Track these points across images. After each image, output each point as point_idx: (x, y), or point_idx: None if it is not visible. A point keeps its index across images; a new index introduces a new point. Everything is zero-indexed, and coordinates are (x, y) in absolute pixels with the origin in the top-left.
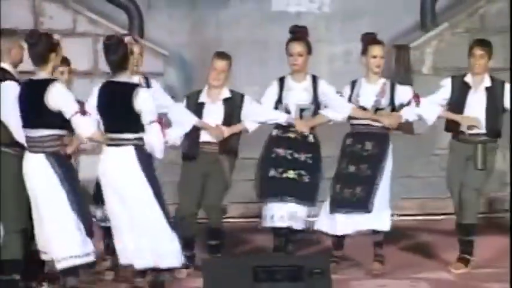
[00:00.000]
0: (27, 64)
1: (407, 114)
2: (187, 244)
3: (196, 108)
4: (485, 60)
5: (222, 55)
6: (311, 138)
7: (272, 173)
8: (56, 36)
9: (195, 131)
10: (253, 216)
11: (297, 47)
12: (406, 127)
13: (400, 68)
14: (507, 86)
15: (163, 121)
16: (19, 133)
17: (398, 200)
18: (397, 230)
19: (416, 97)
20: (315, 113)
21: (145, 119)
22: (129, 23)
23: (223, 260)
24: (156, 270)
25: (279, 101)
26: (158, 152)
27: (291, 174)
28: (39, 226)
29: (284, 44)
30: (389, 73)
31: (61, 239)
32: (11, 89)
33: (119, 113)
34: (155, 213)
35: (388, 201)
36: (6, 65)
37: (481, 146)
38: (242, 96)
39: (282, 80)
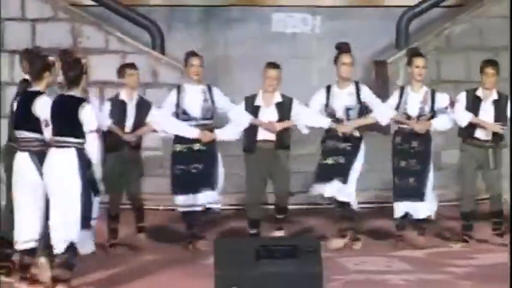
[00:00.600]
0: None
1: (442, 121)
2: (254, 224)
3: (253, 110)
4: (495, 77)
5: (273, 65)
6: (356, 133)
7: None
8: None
9: (253, 129)
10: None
11: (348, 58)
12: (383, 128)
13: (379, 80)
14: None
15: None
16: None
17: None
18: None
19: (452, 104)
20: (360, 113)
21: (85, 128)
22: (152, 42)
23: (231, 241)
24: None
25: (326, 105)
26: (93, 156)
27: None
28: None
29: (281, 61)
30: (370, 84)
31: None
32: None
33: (66, 121)
34: (75, 206)
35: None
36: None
37: (492, 150)
38: (291, 100)
39: (328, 88)
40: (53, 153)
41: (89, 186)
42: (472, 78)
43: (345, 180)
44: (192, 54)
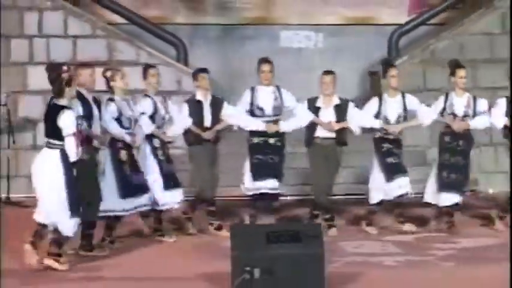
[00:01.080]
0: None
1: (481, 121)
2: (327, 211)
3: (314, 110)
4: None
5: (328, 72)
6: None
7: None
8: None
9: (312, 127)
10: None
11: (395, 71)
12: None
13: (373, 89)
14: None
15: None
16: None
17: None
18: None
19: (489, 108)
20: (405, 118)
21: (63, 132)
22: (176, 56)
23: (245, 227)
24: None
25: (379, 111)
26: (71, 156)
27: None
28: None
29: (288, 72)
30: (365, 92)
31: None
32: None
33: (50, 125)
34: (60, 198)
35: None
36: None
37: None
38: (347, 101)
39: (380, 96)
40: (43, 152)
41: (74, 181)
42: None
43: (406, 172)
44: (263, 61)
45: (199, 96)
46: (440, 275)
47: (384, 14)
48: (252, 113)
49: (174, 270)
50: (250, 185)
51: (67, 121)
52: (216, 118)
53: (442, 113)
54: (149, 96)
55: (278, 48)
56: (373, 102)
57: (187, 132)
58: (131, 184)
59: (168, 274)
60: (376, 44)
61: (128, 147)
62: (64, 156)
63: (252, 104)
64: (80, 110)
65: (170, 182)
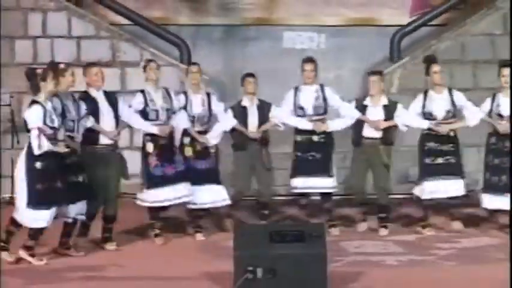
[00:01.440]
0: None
1: None
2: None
3: (361, 109)
4: None
5: (374, 73)
6: (452, 134)
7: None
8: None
9: (360, 126)
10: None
11: (438, 67)
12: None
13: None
14: None
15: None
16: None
17: None
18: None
19: None
20: (454, 115)
21: (28, 125)
22: (180, 56)
23: (249, 226)
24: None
25: (423, 107)
26: (34, 149)
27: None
28: None
29: (292, 72)
30: (367, 93)
31: None
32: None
33: (24, 120)
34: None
35: None
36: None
37: None
38: (396, 103)
39: (425, 93)
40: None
41: (36, 174)
42: (453, 87)
43: (462, 176)
44: (306, 60)
45: (245, 101)
46: (441, 274)
47: (385, 15)
48: (294, 112)
49: (177, 270)
50: (295, 184)
51: (31, 115)
52: (262, 122)
53: (490, 113)
54: (185, 93)
55: (281, 49)
56: (418, 99)
57: (234, 133)
58: (154, 176)
59: (170, 274)
60: (378, 45)
61: (156, 139)
62: (29, 149)
63: (294, 103)
64: (59, 107)
65: (193, 178)
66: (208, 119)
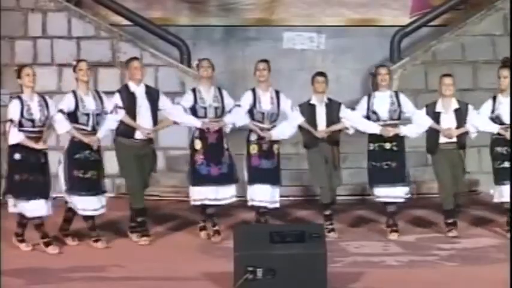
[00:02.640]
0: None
1: None
2: (450, 214)
3: (434, 116)
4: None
5: (447, 75)
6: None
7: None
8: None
9: (434, 133)
10: None
11: (508, 71)
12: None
13: (375, 89)
14: None
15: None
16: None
17: None
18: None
19: None
20: None
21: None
22: (180, 57)
23: (248, 227)
24: None
25: (492, 111)
26: (8, 140)
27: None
28: None
29: (291, 73)
30: (367, 93)
31: None
32: None
33: None
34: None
35: None
36: None
37: None
38: (467, 105)
39: (494, 97)
40: None
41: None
42: (455, 88)
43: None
44: (380, 66)
45: (313, 99)
46: (442, 275)
47: (386, 15)
48: (368, 117)
49: (177, 270)
50: (378, 193)
51: (8, 111)
52: (331, 121)
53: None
54: (253, 90)
55: (281, 50)
56: (488, 103)
57: (303, 131)
58: (199, 174)
59: (171, 274)
60: (378, 46)
61: (204, 137)
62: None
63: (368, 108)
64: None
65: (256, 177)
66: (277, 117)
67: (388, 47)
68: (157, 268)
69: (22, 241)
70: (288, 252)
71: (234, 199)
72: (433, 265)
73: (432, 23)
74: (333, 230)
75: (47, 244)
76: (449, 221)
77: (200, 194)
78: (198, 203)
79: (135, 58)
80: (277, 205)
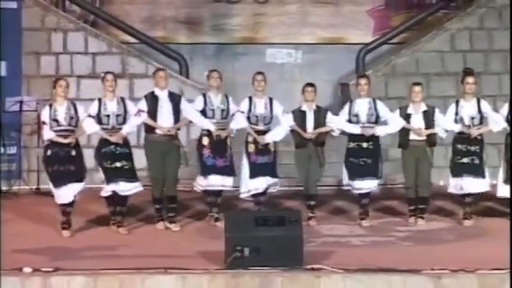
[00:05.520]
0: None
1: None
2: (412, 202)
3: (405, 117)
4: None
5: (417, 83)
6: (478, 137)
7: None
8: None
9: (405, 131)
10: None
11: (472, 79)
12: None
13: (344, 97)
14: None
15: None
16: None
17: None
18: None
19: None
20: (481, 120)
21: None
22: (179, 70)
23: (237, 213)
24: None
25: (456, 113)
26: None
27: (465, 160)
28: None
29: (273, 84)
30: (337, 100)
31: None
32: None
33: None
34: None
35: None
36: None
37: None
38: (434, 108)
39: (457, 102)
40: None
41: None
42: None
43: (479, 176)
44: (360, 76)
45: (304, 107)
46: (400, 253)
47: (352, 34)
48: (349, 121)
49: (177, 249)
50: (355, 185)
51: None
52: (318, 125)
53: (507, 120)
54: (250, 98)
55: (264, 64)
56: (452, 107)
57: (293, 133)
58: (205, 165)
59: (171, 252)
60: (346, 60)
61: (211, 134)
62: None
63: (350, 112)
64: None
65: (254, 171)
66: (270, 120)
67: (354, 61)
68: (160, 247)
69: (65, 228)
70: (270, 234)
71: (232, 188)
72: (391, 245)
73: (392, 41)
74: (313, 217)
75: (63, 228)
76: (412, 207)
77: (208, 182)
78: (204, 189)
79: (162, 69)
80: (277, 187)
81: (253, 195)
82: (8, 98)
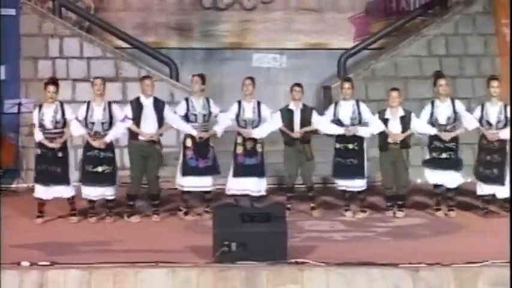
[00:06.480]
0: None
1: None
2: (391, 199)
3: (384, 121)
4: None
5: (395, 89)
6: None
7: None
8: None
9: (385, 134)
10: None
11: (444, 81)
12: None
13: (326, 100)
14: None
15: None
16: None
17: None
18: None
19: None
20: (455, 119)
21: None
22: (170, 73)
23: (224, 209)
24: None
25: (431, 115)
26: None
27: (444, 155)
28: None
29: (259, 87)
30: (319, 102)
31: None
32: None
33: None
34: None
35: None
36: None
37: None
38: (410, 113)
39: (432, 103)
40: None
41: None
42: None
43: (458, 169)
44: (344, 79)
45: (291, 105)
46: (379, 247)
47: (334, 40)
48: (334, 121)
49: (167, 244)
50: (340, 183)
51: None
52: (304, 124)
53: (480, 121)
54: (239, 102)
55: (250, 68)
56: (427, 108)
57: (283, 134)
58: (188, 166)
59: (162, 247)
60: (328, 65)
61: (194, 137)
62: None
63: (334, 114)
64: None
65: (240, 171)
66: (258, 123)
67: (336, 65)
68: (151, 243)
69: (39, 217)
70: (256, 230)
71: (213, 187)
72: (371, 240)
73: (371, 47)
74: (288, 209)
75: (37, 217)
76: (389, 204)
77: (188, 182)
78: (186, 189)
79: (148, 77)
80: (263, 193)
81: (237, 195)
82: (6, 100)
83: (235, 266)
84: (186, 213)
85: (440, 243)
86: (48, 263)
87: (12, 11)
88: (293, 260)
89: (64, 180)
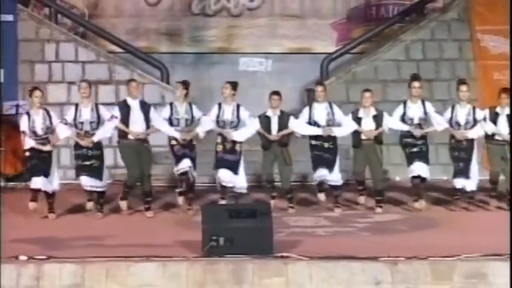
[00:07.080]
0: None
1: (477, 130)
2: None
3: (357, 121)
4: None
5: (367, 90)
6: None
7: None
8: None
9: (358, 132)
10: None
11: (418, 83)
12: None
13: (309, 102)
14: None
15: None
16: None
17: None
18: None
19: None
20: (426, 119)
21: None
22: (161, 76)
23: (213, 206)
24: None
25: (404, 114)
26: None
27: (415, 149)
28: None
29: (245, 90)
30: (304, 105)
31: None
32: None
33: None
34: None
35: None
36: None
37: None
38: (382, 112)
39: (405, 103)
40: None
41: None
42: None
43: (427, 162)
44: (319, 83)
45: (269, 112)
46: (359, 241)
47: (317, 45)
48: (309, 123)
49: (158, 239)
50: (316, 175)
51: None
52: (282, 128)
53: (450, 121)
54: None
55: (237, 71)
56: (399, 108)
57: (260, 136)
58: (178, 159)
59: (153, 242)
60: (312, 68)
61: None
62: None
63: (310, 117)
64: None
65: (219, 164)
66: (237, 124)
67: (319, 69)
68: (142, 237)
69: (32, 200)
70: (243, 225)
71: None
72: (351, 235)
73: (352, 51)
74: (291, 207)
75: (31, 200)
76: (360, 188)
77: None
78: (178, 172)
79: (134, 80)
80: (244, 190)
81: (222, 187)
82: (5, 102)
83: (223, 260)
84: (180, 194)
85: (418, 237)
86: (44, 257)
87: (10, 17)
88: (278, 254)
89: (50, 174)
